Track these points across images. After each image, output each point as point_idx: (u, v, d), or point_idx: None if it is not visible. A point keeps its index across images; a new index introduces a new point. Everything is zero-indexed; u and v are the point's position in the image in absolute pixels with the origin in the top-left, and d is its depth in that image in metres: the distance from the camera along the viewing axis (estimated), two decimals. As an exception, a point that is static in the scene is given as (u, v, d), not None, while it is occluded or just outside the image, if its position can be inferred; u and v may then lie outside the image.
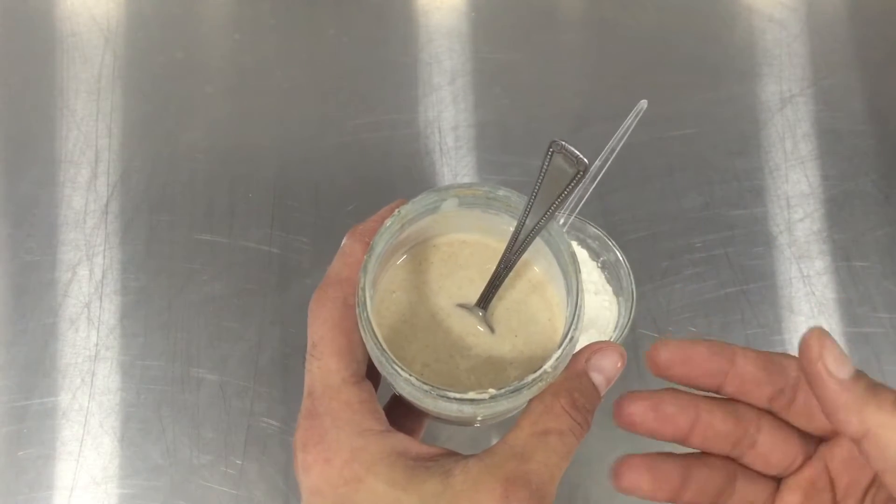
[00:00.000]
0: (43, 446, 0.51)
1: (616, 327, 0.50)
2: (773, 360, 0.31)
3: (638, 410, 0.31)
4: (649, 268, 0.55)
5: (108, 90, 0.60)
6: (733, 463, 0.32)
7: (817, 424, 0.31)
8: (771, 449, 0.31)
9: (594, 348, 0.33)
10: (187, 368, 0.53)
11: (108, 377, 0.53)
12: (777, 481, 0.32)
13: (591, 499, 0.51)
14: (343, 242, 0.35)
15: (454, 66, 0.61)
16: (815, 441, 0.32)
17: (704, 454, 0.32)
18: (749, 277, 0.56)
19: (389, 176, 0.58)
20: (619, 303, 0.51)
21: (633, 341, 0.54)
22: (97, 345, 0.53)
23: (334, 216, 0.57)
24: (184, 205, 0.57)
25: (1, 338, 0.54)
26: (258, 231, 0.56)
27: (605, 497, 0.51)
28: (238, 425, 0.52)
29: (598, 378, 0.32)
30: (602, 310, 0.51)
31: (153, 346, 0.54)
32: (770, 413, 0.32)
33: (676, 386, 0.32)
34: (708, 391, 0.32)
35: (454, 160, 0.58)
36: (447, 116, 0.60)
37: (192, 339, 0.54)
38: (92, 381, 0.53)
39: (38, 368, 0.53)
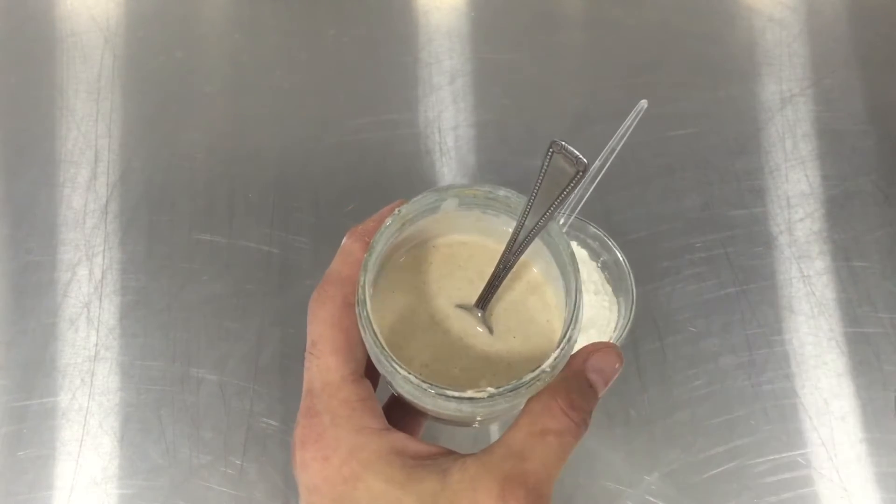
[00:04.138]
0: (43, 446, 0.51)
1: (616, 327, 0.50)
2: None
3: None
4: (649, 268, 0.55)
5: (108, 90, 0.60)
6: None
7: None
8: None
9: (592, 349, 0.33)
10: (187, 368, 0.53)
11: (107, 377, 0.53)
12: None
13: (592, 499, 0.51)
14: (343, 242, 0.35)
15: (454, 66, 0.61)
16: None
17: None
18: (749, 277, 0.56)
19: (389, 176, 0.58)
20: (619, 303, 0.51)
21: (633, 341, 0.53)
22: (97, 345, 0.53)
23: (334, 216, 0.57)
24: (183, 205, 0.57)
25: (1, 338, 0.54)
26: (258, 231, 0.56)
27: (605, 497, 0.51)
28: (238, 425, 0.52)
29: (596, 379, 0.32)
30: (602, 310, 0.51)
31: (153, 347, 0.53)
32: None
33: None
34: None
35: (454, 160, 0.58)
36: (447, 116, 0.60)
37: (192, 339, 0.54)
38: (92, 381, 0.53)
39: (38, 368, 0.53)
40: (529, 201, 0.32)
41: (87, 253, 0.56)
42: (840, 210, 0.58)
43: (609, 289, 0.51)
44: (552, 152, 0.32)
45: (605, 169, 0.45)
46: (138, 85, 0.61)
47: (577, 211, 0.48)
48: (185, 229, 0.56)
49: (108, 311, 0.54)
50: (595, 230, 0.51)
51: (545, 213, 0.32)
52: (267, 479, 0.51)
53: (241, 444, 0.51)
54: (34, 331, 0.54)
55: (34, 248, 0.56)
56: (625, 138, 0.43)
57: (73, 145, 0.59)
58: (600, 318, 0.51)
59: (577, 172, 0.31)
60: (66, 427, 0.52)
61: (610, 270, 0.51)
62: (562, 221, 0.48)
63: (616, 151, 0.44)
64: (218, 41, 0.63)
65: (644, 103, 0.43)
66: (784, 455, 0.51)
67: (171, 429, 0.52)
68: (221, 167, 0.58)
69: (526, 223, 0.33)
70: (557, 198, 0.32)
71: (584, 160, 0.31)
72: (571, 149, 0.31)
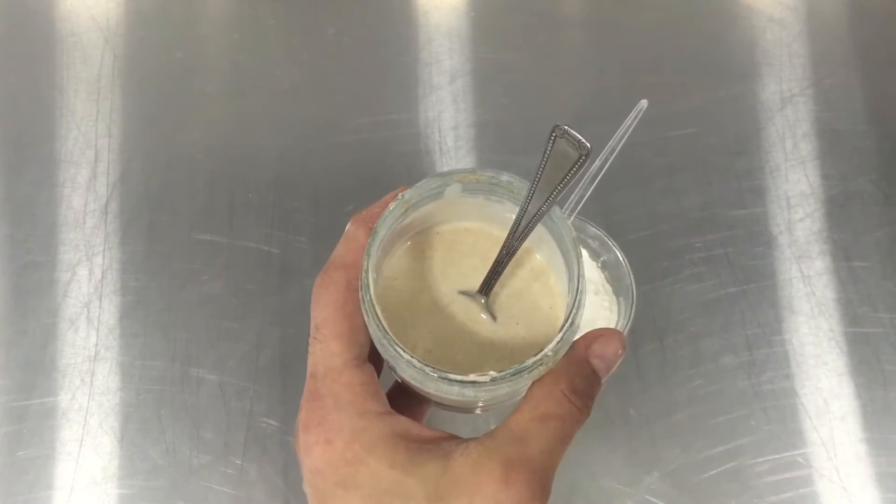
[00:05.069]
0: (43, 446, 0.51)
1: (616, 327, 0.50)
2: None
3: None
4: (649, 268, 0.55)
5: (108, 90, 0.60)
6: None
7: None
8: None
9: (595, 335, 0.33)
10: (187, 368, 0.53)
11: (107, 377, 0.53)
12: None
13: (591, 499, 0.51)
14: (347, 228, 0.35)
15: (454, 66, 0.61)
16: None
17: None
18: (749, 277, 0.56)
19: (389, 176, 0.58)
20: (619, 303, 0.51)
21: (633, 341, 0.53)
22: (97, 345, 0.53)
23: (334, 216, 0.57)
24: (183, 205, 0.57)
25: (1, 338, 0.54)
26: (258, 231, 0.56)
27: (605, 497, 0.51)
28: (238, 425, 0.52)
29: (598, 364, 0.32)
30: (602, 310, 0.51)
31: (153, 347, 0.53)
32: None
33: None
34: None
35: (454, 160, 0.58)
36: (447, 116, 0.60)
37: (192, 339, 0.54)
38: (91, 381, 0.53)
39: (37, 368, 0.53)
40: (532, 186, 0.32)
41: (87, 253, 0.56)
42: (840, 210, 0.58)
43: (609, 289, 0.51)
44: (555, 136, 0.32)
45: (605, 169, 0.45)
46: (138, 85, 0.61)
47: (577, 211, 0.48)
48: (184, 229, 0.56)
49: (108, 311, 0.54)
50: (595, 230, 0.51)
51: (548, 199, 0.32)
52: (267, 479, 0.51)
53: (241, 444, 0.51)
54: (34, 331, 0.54)
55: (34, 248, 0.56)
56: (625, 138, 0.43)
57: (73, 145, 0.59)
58: (600, 318, 0.51)
59: (581, 157, 0.31)
60: (66, 427, 0.52)
61: (610, 270, 0.51)
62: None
63: (616, 151, 0.44)
64: (218, 41, 0.63)
65: (644, 103, 0.43)
66: (784, 455, 0.51)
67: (171, 429, 0.52)
68: (221, 167, 0.58)
69: (529, 208, 0.33)
70: (560, 182, 0.32)
71: (588, 144, 0.31)
72: (574, 133, 0.31)
